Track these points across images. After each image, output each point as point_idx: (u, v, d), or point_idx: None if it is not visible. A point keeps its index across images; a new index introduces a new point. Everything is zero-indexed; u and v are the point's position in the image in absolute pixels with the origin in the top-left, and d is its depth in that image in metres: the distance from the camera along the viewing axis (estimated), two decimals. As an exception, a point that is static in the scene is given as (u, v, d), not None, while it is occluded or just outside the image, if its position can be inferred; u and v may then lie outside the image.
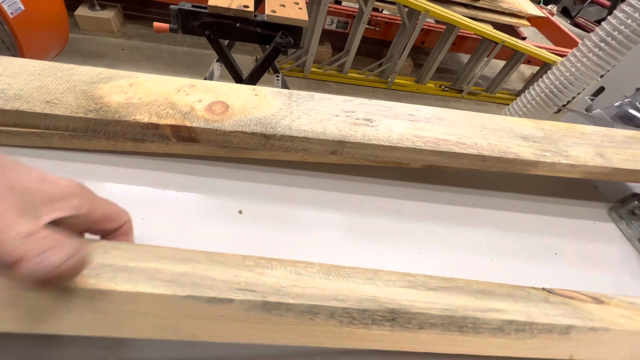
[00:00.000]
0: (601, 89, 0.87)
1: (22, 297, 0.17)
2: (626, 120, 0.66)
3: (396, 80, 2.37)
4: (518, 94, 2.54)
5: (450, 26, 2.06)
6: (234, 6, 0.96)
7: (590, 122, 0.72)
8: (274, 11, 1.00)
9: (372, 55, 2.60)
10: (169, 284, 0.18)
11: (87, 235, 0.23)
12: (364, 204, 0.38)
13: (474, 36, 2.25)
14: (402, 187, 0.41)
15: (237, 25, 1.00)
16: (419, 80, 2.42)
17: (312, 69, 2.24)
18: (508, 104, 1.15)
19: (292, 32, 1.03)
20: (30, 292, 0.17)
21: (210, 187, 0.36)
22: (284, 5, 1.04)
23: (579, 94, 0.99)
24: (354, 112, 0.36)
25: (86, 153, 0.35)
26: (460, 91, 2.46)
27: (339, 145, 0.33)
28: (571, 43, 2.34)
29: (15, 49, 1.29)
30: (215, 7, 0.96)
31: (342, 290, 0.20)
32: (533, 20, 2.37)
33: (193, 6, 0.97)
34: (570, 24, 4.29)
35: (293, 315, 0.18)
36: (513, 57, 2.26)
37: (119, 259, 0.20)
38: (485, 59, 2.24)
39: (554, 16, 2.78)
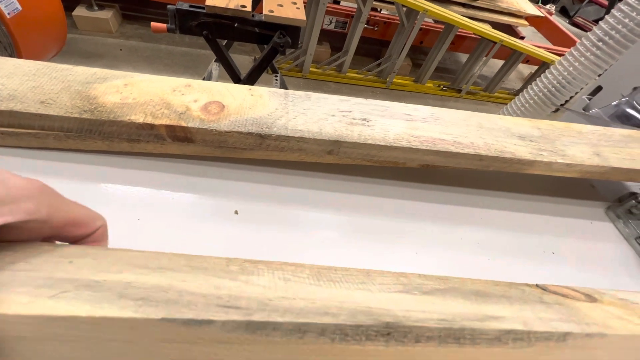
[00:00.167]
0: (599, 88, 0.87)
1: None
2: (624, 120, 0.66)
3: (395, 80, 2.37)
4: (517, 93, 2.54)
5: (449, 26, 2.06)
6: (231, 6, 0.96)
7: (588, 121, 0.72)
8: (272, 11, 1.00)
9: (371, 55, 2.60)
10: (140, 303, 0.16)
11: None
12: (360, 203, 0.38)
13: (473, 36, 2.25)
14: (399, 187, 0.41)
15: (235, 25, 0.99)
16: (418, 79, 2.42)
17: (311, 69, 2.24)
18: (507, 104, 1.15)
19: (290, 32, 1.03)
20: None
21: (206, 187, 0.36)
22: (281, 5, 1.04)
23: (576, 93, 0.99)
24: (350, 111, 0.36)
25: (81, 153, 0.35)
26: (459, 91, 2.47)
27: (335, 145, 0.33)
28: (569, 42, 2.35)
29: (12, 50, 1.28)
30: (213, 7, 0.95)
31: (334, 300, 0.19)
32: (531, 19, 2.37)
33: (191, 6, 0.97)
34: (568, 23, 4.30)
35: (280, 335, 0.17)
36: (511, 56, 2.26)
37: (85, 270, 0.18)
38: (484, 58, 2.24)
39: (553, 15, 2.78)
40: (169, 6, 0.96)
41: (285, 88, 0.49)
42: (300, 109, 0.35)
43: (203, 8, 0.96)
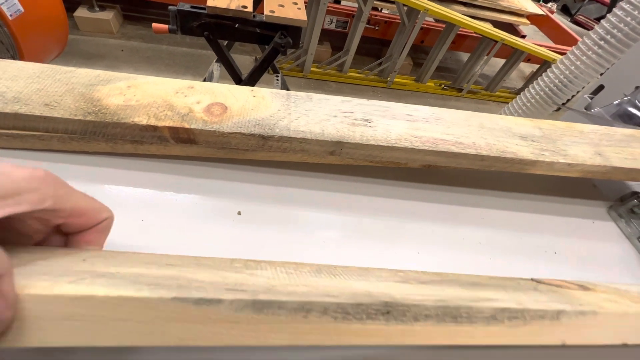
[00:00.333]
0: (600, 87, 0.87)
1: None
2: (626, 119, 0.66)
3: (396, 80, 2.37)
4: (518, 92, 2.53)
5: (450, 25, 2.06)
6: (232, 6, 0.96)
7: (590, 120, 0.72)
8: (273, 11, 1.00)
9: (372, 54, 2.60)
10: (153, 287, 0.17)
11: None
12: (363, 204, 0.38)
13: (474, 35, 2.25)
14: (401, 187, 0.41)
15: (236, 25, 1.00)
16: (419, 79, 2.42)
17: (312, 69, 2.24)
18: (508, 103, 1.15)
19: (291, 32, 1.03)
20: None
21: (209, 188, 0.36)
22: (282, 6, 1.04)
23: (578, 92, 0.99)
24: (352, 112, 0.37)
25: (86, 155, 0.35)
26: (460, 90, 2.46)
27: (338, 146, 0.34)
28: (571, 41, 2.34)
29: (14, 51, 1.29)
30: (214, 7, 0.96)
31: (335, 287, 0.20)
32: (533, 18, 2.37)
33: (192, 7, 0.97)
34: (570, 21, 4.29)
35: (286, 313, 0.18)
36: (513, 55, 2.25)
37: (98, 265, 0.19)
38: (485, 57, 2.24)
39: (554, 14, 2.77)
40: (170, 7, 0.97)
41: (287, 88, 0.49)
42: (302, 110, 0.35)
43: (204, 9, 0.97)
